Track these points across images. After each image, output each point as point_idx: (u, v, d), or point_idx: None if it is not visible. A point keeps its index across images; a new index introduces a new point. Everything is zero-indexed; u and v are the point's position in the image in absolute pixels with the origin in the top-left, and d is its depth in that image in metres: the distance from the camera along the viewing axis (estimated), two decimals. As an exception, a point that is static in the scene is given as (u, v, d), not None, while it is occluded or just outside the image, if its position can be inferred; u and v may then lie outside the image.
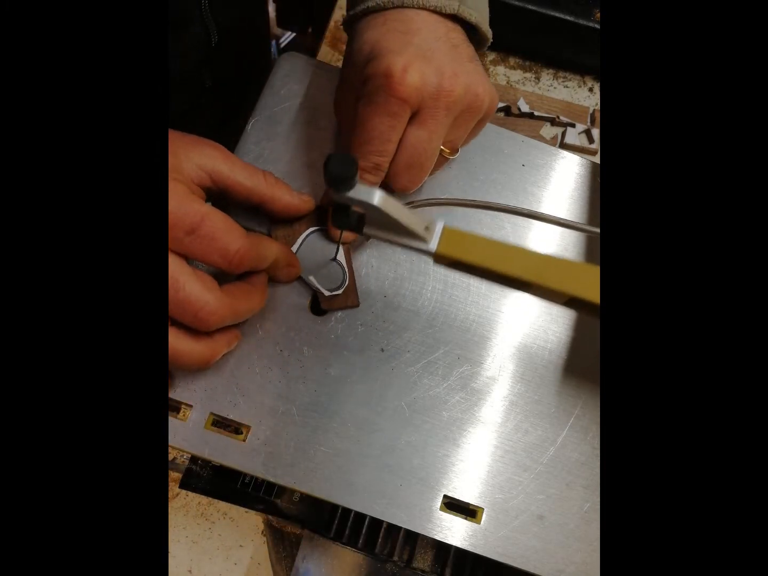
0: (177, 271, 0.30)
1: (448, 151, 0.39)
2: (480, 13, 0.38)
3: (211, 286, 0.32)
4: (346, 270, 0.40)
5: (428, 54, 0.34)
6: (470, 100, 0.35)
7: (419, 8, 0.35)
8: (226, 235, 0.32)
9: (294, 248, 0.40)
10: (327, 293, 0.39)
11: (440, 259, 0.34)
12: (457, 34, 0.36)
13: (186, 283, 0.30)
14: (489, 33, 0.39)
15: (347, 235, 0.40)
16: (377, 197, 0.30)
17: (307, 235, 0.40)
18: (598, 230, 0.35)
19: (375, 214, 0.32)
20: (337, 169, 0.29)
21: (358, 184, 0.30)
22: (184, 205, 0.31)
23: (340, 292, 0.39)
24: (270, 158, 0.43)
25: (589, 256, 0.44)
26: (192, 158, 0.33)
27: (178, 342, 0.32)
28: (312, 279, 0.39)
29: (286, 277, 0.39)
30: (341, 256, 0.40)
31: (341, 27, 0.57)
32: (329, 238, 0.40)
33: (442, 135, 0.36)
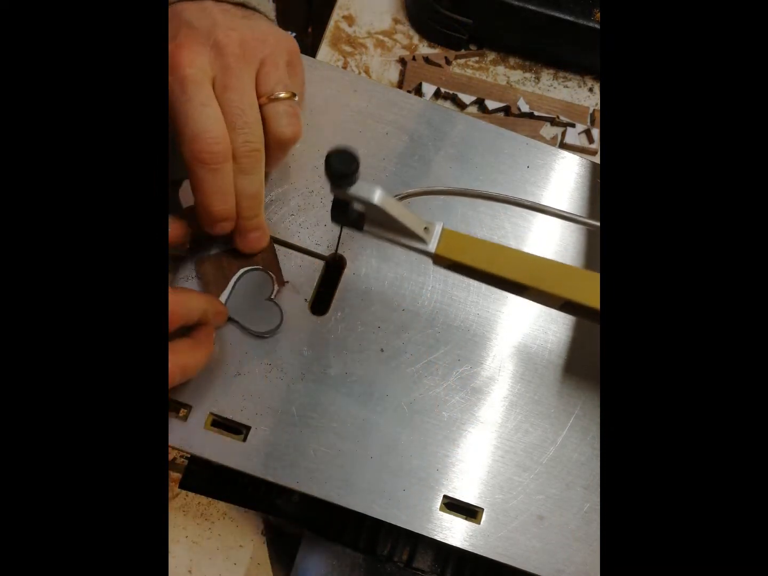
0: None
1: (286, 94, 0.37)
2: None
3: None
4: (282, 311, 0.39)
5: (196, 24, 0.35)
6: (254, 44, 0.36)
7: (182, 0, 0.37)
8: None
9: (225, 293, 0.39)
10: (258, 332, 0.38)
11: (439, 260, 0.34)
12: (224, 6, 0.37)
13: None
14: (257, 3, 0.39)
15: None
16: (377, 196, 0.30)
17: (239, 277, 0.39)
18: (597, 223, 0.35)
19: (374, 212, 0.32)
20: (338, 165, 0.29)
21: (359, 181, 0.30)
22: None
23: (274, 335, 0.39)
24: (270, 158, 0.42)
25: (588, 257, 0.44)
26: None
27: None
28: (241, 322, 0.38)
29: (215, 324, 0.37)
30: (275, 293, 0.39)
31: (341, 27, 0.57)
32: (261, 278, 0.39)
33: (249, 85, 0.36)
